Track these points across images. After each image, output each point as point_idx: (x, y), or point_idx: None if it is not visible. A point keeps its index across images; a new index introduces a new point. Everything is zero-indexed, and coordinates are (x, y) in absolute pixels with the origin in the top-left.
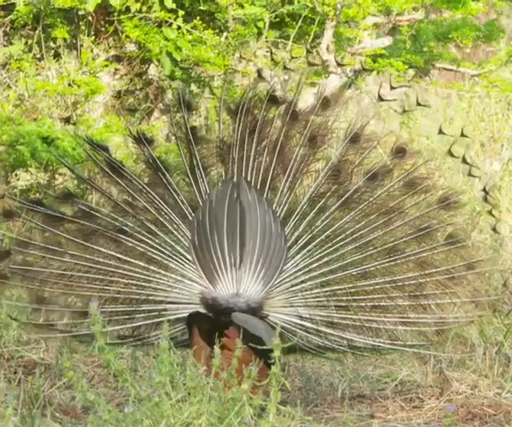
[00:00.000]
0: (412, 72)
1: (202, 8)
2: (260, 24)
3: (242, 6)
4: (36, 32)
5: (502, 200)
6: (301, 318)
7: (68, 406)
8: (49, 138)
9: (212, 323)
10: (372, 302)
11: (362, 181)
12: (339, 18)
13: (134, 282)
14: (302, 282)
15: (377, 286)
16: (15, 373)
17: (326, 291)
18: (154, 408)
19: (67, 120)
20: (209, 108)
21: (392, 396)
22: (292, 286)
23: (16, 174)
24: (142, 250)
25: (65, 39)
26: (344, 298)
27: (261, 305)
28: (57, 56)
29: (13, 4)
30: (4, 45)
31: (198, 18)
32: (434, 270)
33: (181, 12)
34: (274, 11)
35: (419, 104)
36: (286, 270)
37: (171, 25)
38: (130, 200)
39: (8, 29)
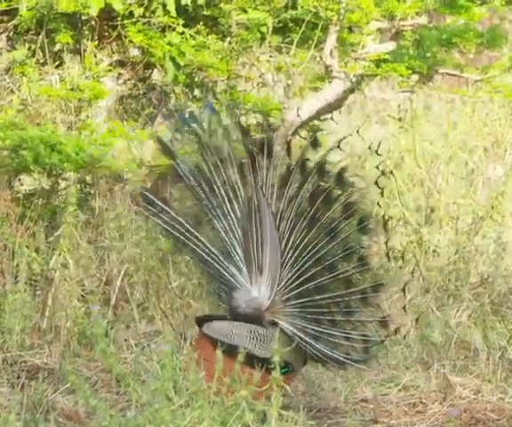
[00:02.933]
0: (415, 77)
1: (205, 13)
2: (264, 29)
3: (245, 11)
4: (40, 37)
5: (506, 205)
6: (293, 326)
7: (71, 410)
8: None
9: None
10: (323, 315)
11: (319, 203)
12: (342, 23)
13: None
14: (289, 292)
15: (323, 302)
16: (18, 377)
17: (297, 303)
18: (155, 413)
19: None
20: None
21: (395, 401)
22: (283, 295)
23: (19, 179)
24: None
25: (68, 44)
26: (308, 310)
27: (266, 312)
28: (60, 60)
29: (17, 9)
30: (8, 50)
31: (202, 23)
32: (353, 290)
33: (181, 21)
34: (277, 16)
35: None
36: (281, 281)
37: (174, 30)
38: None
39: (11, 34)
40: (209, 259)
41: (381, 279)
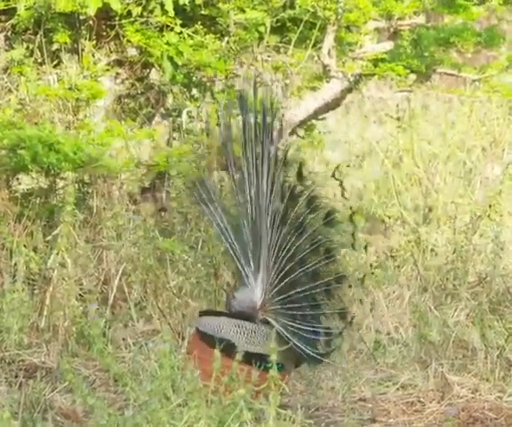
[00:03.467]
0: (413, 77)
1: (203, 13)
2: (262, 29)
3: (243, 11)
4: (38, 36)
5: (503, 205)
6: (278, 323)
7: (69, 409)
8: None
9: None
10: (296, 311)
11: (286, 201)
12: (340, 22)
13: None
14: (272, 290)
15: (295, 297)
16: (16, 376)
17: (279, 300)
18: (153, 413)
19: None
20: (210, 113)
21: (393, 399)
22: (270, 293)
23: (17, 178)
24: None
25: (66, 43)
26: (286, 306)
27: (260, 311)
28: (58, 59)
29: (14, 9)
30: (6, 50)
31: (199, 22)
32: (319, 282)
33: (179, 21)
34: (275, 15)
35: None
36: (268, 279)
37: (172, 29)
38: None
39: (9, 34)
40: (234, 257)
41: (343, 271)
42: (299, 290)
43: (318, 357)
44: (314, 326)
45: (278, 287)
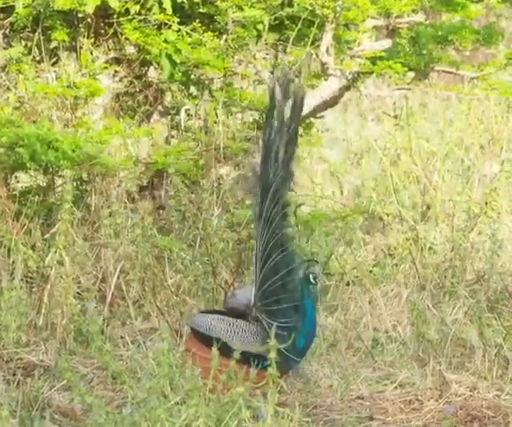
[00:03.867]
0: (411, 74)
1: (201, 11)
2: (260, 27)
3: (241, 9)
4: (36, 34)
5: (500, 202)
6: (264, 320)
7: (67, 408)
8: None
9: None
10: (267, 306)
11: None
12: (338, 20)
13: None
14: (257, 287)
15: (266, 292)
16: (14, 375)
17: (260, 296)
18: (151, 411)
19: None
20: (208, 111)
21: (391, 398)
22: (256, 288)
23: (16, 176)
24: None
25: (64, 41)
26: (263, 302)
27: (253, 308)
28: (56, 57)
29: (13, 7)
30: (4, 48)
31: (198, 20)
32: (279, 276)
33: (177, 19)
34: (273, 13)
35: None
36: (256, 275)
37: (170, 27)
38: None
39: (7, 32)
40: (254, 257)
41: (293, 263)
42: (267, 285)
43: (291, 355)
44: (281, 322)
45: (258, 283)
